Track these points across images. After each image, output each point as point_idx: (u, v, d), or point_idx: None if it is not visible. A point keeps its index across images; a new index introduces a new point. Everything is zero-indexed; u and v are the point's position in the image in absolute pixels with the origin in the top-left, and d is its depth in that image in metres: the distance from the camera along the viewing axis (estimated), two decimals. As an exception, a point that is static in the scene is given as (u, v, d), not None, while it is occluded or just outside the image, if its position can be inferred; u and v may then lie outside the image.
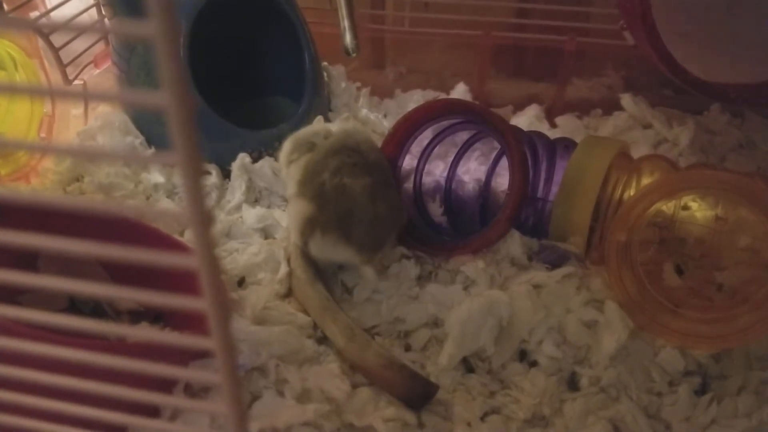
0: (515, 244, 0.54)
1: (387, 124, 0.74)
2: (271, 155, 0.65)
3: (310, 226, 0.51)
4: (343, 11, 0.71)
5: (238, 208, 0.62)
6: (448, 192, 0.62)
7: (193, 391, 0.42)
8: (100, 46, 0.73)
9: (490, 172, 0.61)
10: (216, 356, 0.23)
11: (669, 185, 0.48)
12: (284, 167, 0.58)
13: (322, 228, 0.51)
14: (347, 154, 0.53)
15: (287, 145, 0.58)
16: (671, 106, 0.75)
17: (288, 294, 0.53)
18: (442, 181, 0.62)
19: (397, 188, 0.57)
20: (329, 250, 0.52)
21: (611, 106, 0.76)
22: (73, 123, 0.71)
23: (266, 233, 0.60)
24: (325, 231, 0.51)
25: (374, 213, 0.51)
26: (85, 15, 0.71)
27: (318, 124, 0.62)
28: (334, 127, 0.60)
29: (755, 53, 0.63)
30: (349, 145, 0.54)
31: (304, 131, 0.58)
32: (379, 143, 0.60)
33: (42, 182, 0.66)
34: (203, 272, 0.21)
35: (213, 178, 0.64)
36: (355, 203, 0.51)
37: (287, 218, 0.59)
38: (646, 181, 0.53)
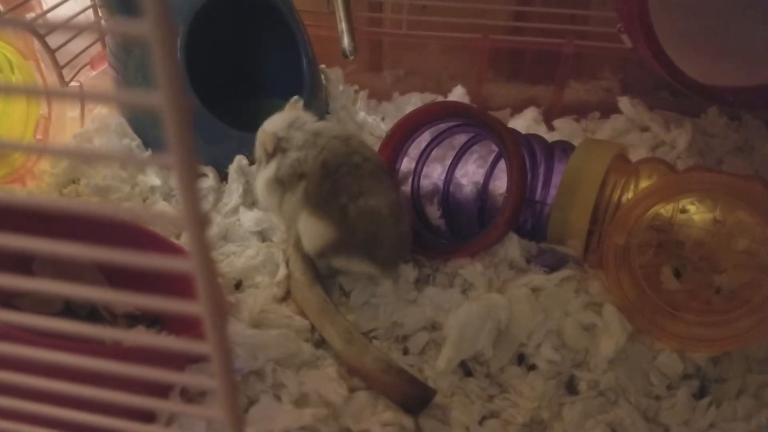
0: (513, 247, 0.54)
1: (385, 127, 0.74)
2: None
3: (334, 249, 0.51)
4: (340, 14, 0.71)
5: (235, 210, 0.62)
6: (446, 195, 0.62)
7: (189, 395, 0.41)
8: (97, 48, 0.73)
9: (488, 175, 0.61)
10: (212, 360, 0.23)
11: (667, 188, 0.48)
12: (275, 211, 0.55)
13: (347, 251, 0.51)
14: (356, 164, 0.50)
15: (274, 191, 0.53)
16: (669, 109, 0.75)
17: (286, 297, 0.53)
18: (440, 184, 0.62)
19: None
20: (353, 267, 0.52)
21: (609, 109, 0.76)
22: (70, 125, 0.71)
23: (264, 236, 0.60)
24: (351, 254, 0.51)
25: (398, 232, 0.51)
26: (81, 17, 0.71)
27: (269, 144, 0.53)
28: (280, 123, 0.55)
29: (753, 56, 0.63)
30: (348, 151, 0.51)
31: (284, 167, 0.52)
32: (377, 146, 0.59)
33: (38, 184, 0.65)
34: (199, 275, 0.21)
35: (210, 181, 0.64)
36: (381, 226, 0.50)
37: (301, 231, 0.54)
38: (644, 184, 0.53)
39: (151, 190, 0.64)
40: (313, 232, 0.51)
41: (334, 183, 0.50)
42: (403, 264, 0.54)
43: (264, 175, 0.54)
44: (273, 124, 0.55)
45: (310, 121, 0.55)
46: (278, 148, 0.53)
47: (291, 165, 0.52)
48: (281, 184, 0.53)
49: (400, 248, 0.52)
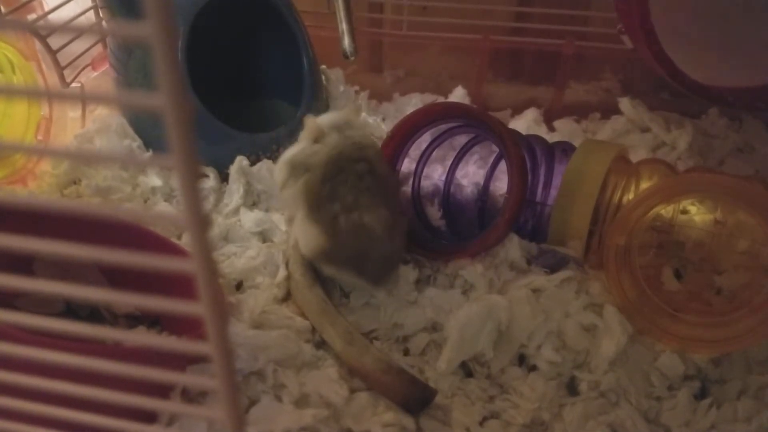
0: (514, 248, 0.54)
1: (385, 128, 0.74)
2: (269, 158, 0.64)
3: (324, 257, 0.51)
4: (341, 15, 0.71)
5: (236, 211, 0.62)
6: (447, 196, 0.62)
7: (190, 396, 0.41)
8: (98, 49, 0.73)
9: (489, 176, 0.61)
10: (213, 361, 0.23)
11: (668, 189, 0.48)
12: (279, 189, 0.56)
13: (337, 263, 0.51)
14: (358, 174, 0.49)
15: (283, 171, 0.54)
16: (669, 110, 0.75)
17: (286, 297, 0.53)
18: (441, 185, 0.62)
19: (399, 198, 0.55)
20: (343, 278, 0.52)
21: (609, 110, 0.76)
22: (71, 126, 0.71)
23: (264, 237, 0.60)
24: (341, 266, 0.51)
25: (391, 250, 0.51)
26: (83, 18, 0.71)
27: (310, 132, 0.53)
28: (327, 121, 0.55)
29: (753, 57, 0.63)
30: (357, 157, 0.50)
31: (301, 154, 0.53)
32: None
33: (39, 185, 0.66)
34: (200, 276, 0.21)
35: (211, 182, 0.64)
36: (373, 243, 0.49)
37: (294, 232, 0.55)
38: (644, 185, 0.53)
39: (152, 191, 0.64)
40: (306, 235, 0.51)
41: (332, 189, 0.49)
42: (402, 265, 0.54)
43: (287, 151, 0.55)
44: (324, 119, 0.55)
45: (354, 126, 0.54)
46: (316, 139, 0.53)
47: (307, 155, 0.52)
48: (290, 167, 0.53)
49: (392, 264, 0.52)
